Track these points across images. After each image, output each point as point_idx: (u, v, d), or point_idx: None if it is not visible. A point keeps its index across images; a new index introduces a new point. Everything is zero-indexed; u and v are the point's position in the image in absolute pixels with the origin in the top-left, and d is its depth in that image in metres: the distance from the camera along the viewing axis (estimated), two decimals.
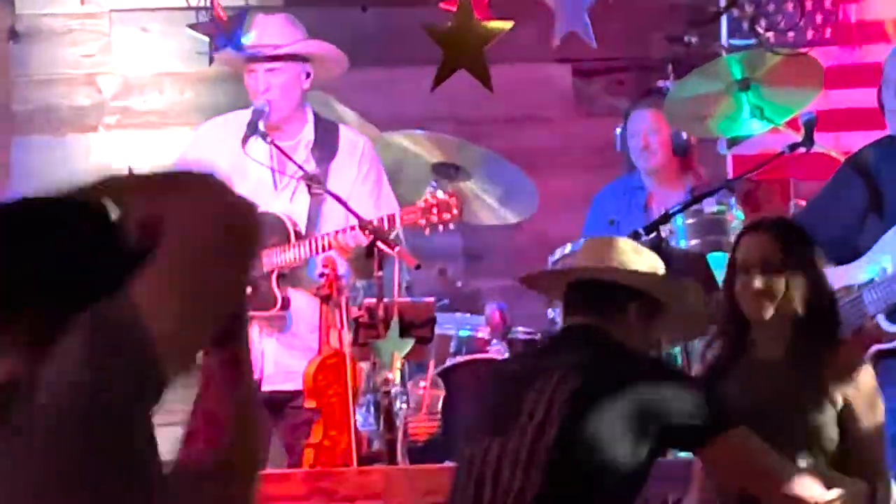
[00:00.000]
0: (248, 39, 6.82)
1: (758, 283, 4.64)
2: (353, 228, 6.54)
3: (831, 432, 4.73)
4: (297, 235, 6.37)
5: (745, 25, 7.48)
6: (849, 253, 6.10)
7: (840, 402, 4.71)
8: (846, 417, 4.72)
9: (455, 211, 6.64)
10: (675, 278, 5.27)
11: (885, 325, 5.96)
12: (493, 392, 5.06)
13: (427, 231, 6.82)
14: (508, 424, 4.70)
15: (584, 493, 4.67)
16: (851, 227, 6.11)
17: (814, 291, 4.78)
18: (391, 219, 6.72)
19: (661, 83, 7.73)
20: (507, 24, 6.26)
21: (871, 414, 4.88)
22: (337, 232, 6.56)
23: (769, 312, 4.68)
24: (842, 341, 4.99)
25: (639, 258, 4.86)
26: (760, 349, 4.82)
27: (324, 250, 6.33)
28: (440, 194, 6.69)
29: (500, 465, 4.65)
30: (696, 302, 4.95)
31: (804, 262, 4.77)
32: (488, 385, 5.17)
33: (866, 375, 4.79)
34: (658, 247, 6.34)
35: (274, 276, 6.40)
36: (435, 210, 6.58)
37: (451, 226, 6.74)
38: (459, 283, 7.46)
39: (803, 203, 6.73)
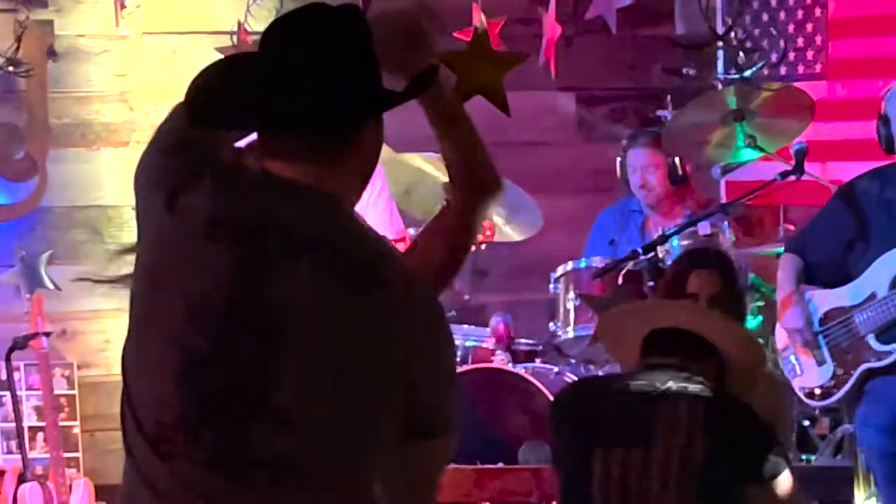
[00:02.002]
0: None
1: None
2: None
3: None
4: None
5: (741, 59, 7.52)
6: (839, 276, 6.12)
7: None
8: None
9: (488, 233, 6.72)
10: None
11: (875, 345, 5.97)
12: (609, 405, 4.82)
13: None
14: (643, 438, 4.66)
15: None
16: (840, 253, 6.12)
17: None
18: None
19: (659, 112, 7.72)
20: (522, 56, 6.10)
21: None
22: None
23: None
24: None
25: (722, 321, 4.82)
26: None
27: None
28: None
29: (647, 477, 4.61)
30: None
31: (740, 302, 4.94)
32: (595, 398, 4.90)
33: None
34: (655, 266, 6.58)
35: None
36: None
37: (483, 247, 6.82)
38: (467, 297, 7.23)
39: (792, 228, 6.78)
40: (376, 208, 6.61)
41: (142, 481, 2.94)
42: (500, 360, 6.86)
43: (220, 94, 2.97)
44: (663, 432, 4.60)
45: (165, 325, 2.94)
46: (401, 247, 6.44)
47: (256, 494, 2.88)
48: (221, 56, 6.82)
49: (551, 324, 6.82)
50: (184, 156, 3.06)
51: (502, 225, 6.94)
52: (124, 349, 3.01)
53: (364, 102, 2.95)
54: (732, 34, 7.57)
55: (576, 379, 5.39)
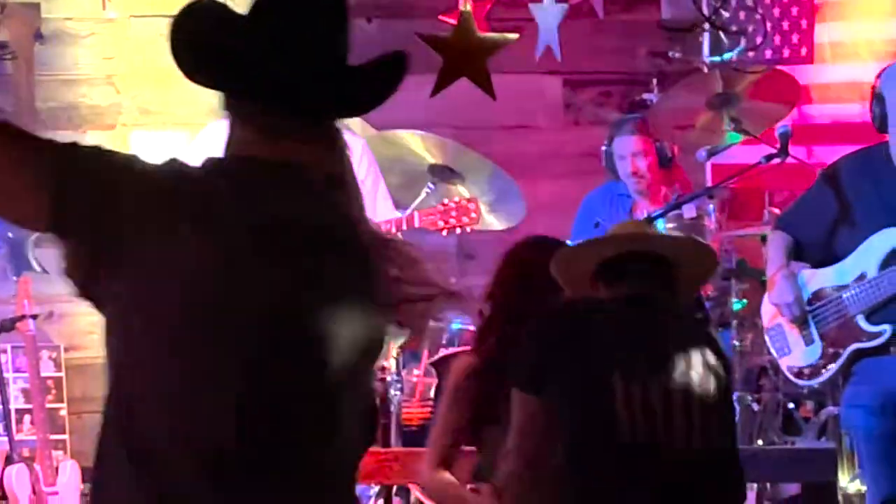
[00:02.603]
0: None
1: None
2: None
3: None
4: None
5: (726, 43, 7.65)
6: (826, 257, 6.09)
7: None
8: None
9: (475, 215, 6.72)
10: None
11: (864, 325, 5.94)
12: (621, 335, 4.67)
13: (445, 233, 6.89)
14: (658, 359, 4.59)
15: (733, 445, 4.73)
16: (826, 234, 6.08)
17: None
18: (409, 220, 6.83)
19: (645, 95, 7.80)
20: (511, 36, 6.40)
21: None
22: None
23: None
24: None
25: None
26: None
27: None
28: (458, 199, 6.76)
29: (671, 403, 4.53)
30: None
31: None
32: (608, 328, 4.69)
33: None
34: None
35: None
36: (454, 213, 6.67)
37: (469, 229, 6.83)
38: (453, 280, 7.25)
39: (777, 211, 6.77)
40: (363, 188, 6.57)
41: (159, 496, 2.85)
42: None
43: (248, 62, 2.91)
44: (677, 351, 4.55)
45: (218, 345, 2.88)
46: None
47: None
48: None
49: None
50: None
51: (486, 213, 6.93)
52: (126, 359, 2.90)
53: (385, 90, 2.95)
54: (718, 17, 7.51)
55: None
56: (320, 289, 2.88)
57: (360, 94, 2.99)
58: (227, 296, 2.86)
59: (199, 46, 2.90)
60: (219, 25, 2.92)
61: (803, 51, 7.71)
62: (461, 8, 6.33)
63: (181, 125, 7.59)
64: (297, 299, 2.87)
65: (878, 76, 6.12)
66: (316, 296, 2.88)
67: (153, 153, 7.89)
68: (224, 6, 3.00)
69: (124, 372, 2.86)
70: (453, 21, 6.34)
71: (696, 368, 4.66)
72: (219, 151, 7.49)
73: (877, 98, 5.98)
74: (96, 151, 2.86)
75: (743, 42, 7.64)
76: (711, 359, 4.68)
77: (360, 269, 2.96)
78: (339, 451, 2.93)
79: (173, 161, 2.96)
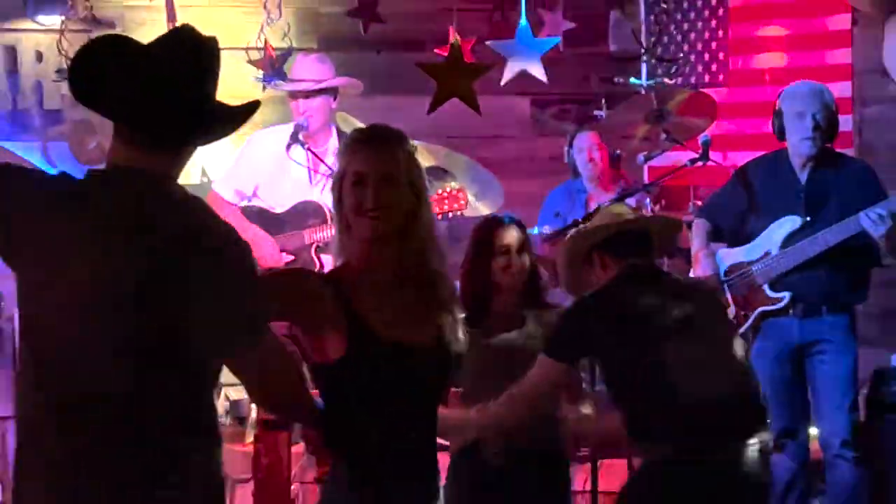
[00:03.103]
0: (292, 72, 6.76)
1: (516, 262, 4.63)
2: None
3: None
4: (331, 217, 6.06)
5: (660, 70, 7.55)
6: (740, 239, 6.12)
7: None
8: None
9: (463, 202, 6.54)
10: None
11: (769, 292, 5.97)
12: (647, 303, 4.51)
13: (439, 217, 6.63)
14: (691, 321, 4.46)
15: None
16: (737, 220, 6.11)
17: (534, 267, 4.78)
18: None
19: (596, 112, 7.64)
20: (490, 65, 6.34)
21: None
22: None
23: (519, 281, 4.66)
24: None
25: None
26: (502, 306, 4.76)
27: None
28: (449, 189, 6.57)
29: (702, 351, 4.39)
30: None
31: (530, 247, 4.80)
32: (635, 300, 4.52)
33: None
34: None
35: (314, 248, 6.37)
36: (447, 201, 6.47)
37: (460, 213, 6.63)
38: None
39: (699, 203, 6.74)
40: None
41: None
42: None
43: (113, 83, 2.96)
44: (704, 314, 4.46)
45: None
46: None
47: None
48: (255, 67, 6.71)
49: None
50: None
51: (474, 201, 6.70)
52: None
53: (227, 119, 3.03)
54: (654, 50, 7.66)
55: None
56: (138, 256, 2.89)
57: (207, 125, 3.04)
58: (80, 274, 2.96)
59: (89, 77, 2.97)
60: (106, 61, 2.97)
61: (720, 77, 7.73)
62: (451, 42, 6.24)
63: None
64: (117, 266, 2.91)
65: (778, 96, 6.14)
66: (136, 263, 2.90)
67: (202, 158, 7.60)
68: (122, 42, 3.05)
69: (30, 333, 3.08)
70: (445, 53, 6.27)
71: (714, 316, 4.63)
72: (265, 153, 7.05)
73: (776, 114, 6.02)
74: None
75: (673, 70, 7.64)
76: (718, 306, 4.76)
77: (166, 238, 2.93)
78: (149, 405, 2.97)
79: (62, 173, 3.11)
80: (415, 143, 6.76)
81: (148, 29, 6.83)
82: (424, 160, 6.64)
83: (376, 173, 3.27)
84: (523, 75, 6.72)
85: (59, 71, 6.96)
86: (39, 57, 7.38)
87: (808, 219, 5.83)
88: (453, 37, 6.30)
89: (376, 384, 3.24)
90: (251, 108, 3.08)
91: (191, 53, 3.02)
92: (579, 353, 4.55)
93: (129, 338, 2.96)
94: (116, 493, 2.98)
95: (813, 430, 6.16)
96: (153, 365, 2.99)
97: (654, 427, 4.36)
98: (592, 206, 6.86)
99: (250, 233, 6.46)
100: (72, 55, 6.68)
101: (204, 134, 3.09)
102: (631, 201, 6.74)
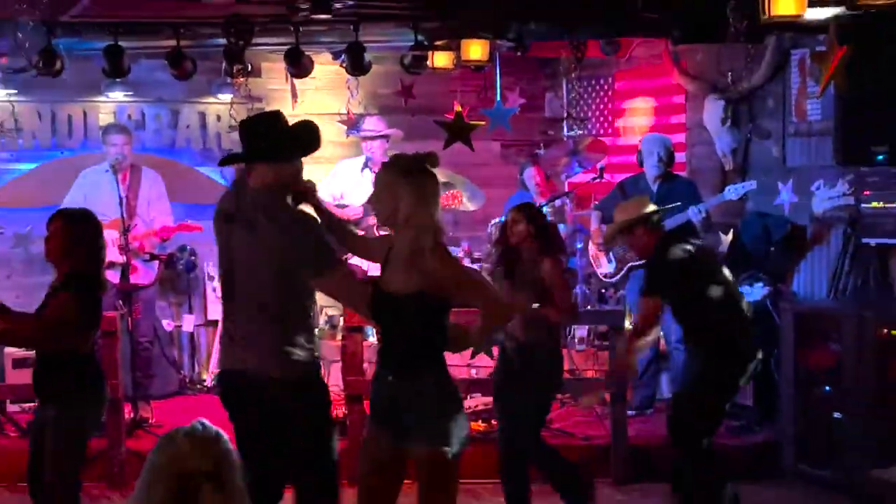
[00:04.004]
0: (363, 126, 6.71)
1: (516, 229, 4.34)
2: None
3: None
4: None
5: (577, 126, 7.57)
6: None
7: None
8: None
9: (459, 201, 6.59)
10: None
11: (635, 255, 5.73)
12: (706, 256, 4.48)
13: (445, 209, 6.47)
14: (722, 269, 4.38)
15: None
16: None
17: (540, 232, 4.39)
18: None
19: (538, 151, 7.58)
20: (480, 123, 6.46)
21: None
22: None
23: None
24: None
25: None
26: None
27: None
28: (452, 192, 6.53)
29: (734, 292, 4.37)
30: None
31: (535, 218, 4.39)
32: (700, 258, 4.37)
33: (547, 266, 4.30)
34: None
35: (375, 227, 6.02)
36: (449, 199, 6.49)
37: (459, 207, 6.64)
38: (450, 233, 6.69)
39: (596, 202, 6.60)
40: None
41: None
42: (465, 263, 6.51)
43: (262, 135, 3.23)
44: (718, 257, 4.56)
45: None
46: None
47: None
48: (343, 124, 6.92)
49: (487, 245, 6.71)
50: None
51: (466, 201, 6.72)
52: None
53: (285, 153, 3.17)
54: (572, 113, 7.65)
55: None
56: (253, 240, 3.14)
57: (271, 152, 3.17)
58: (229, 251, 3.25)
59: (254, 132, 3.22)
60: (250, 130, 3.27)
61: (609, 130, 7.63)
62: (456, 110, 6.39)
63: (322, 162, 6.50)
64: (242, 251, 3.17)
65: (640, 142, 6.30)
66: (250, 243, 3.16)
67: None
68: (270, 117, 3.33)
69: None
70: (452, 116, 6.38)
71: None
72: (347, 175, 6.56)
73: (639, 152, 6.19)
74: None
75: (583, 125, 7.63)
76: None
77: (272, 231, 3.13)
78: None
79: (227, 189, 3.39)
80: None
81: (280, 103, 6.66)
82: (439, 177, 6.99)
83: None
84: (498, 129, 6.84)
85: (230, 126, 6.97)
86: (218, 118, 7.19)
87: None
88: (457, 107, 6.44)
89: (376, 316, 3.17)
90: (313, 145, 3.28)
91: (303, 127, 3.28)
92: (664, 289, 4.29)
93: (273, 271, 3.17)
94: (268, 355, 3.20)
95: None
96: (284, 285, 3.18)
97: (710, 334, 4.25)
98: (536, 204, 6.32)
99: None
100: (237, 117, 6.49)
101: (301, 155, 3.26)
102: (557, 203, 6.82)
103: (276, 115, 3.30)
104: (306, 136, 3.25)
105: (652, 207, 4.48)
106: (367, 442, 3.16)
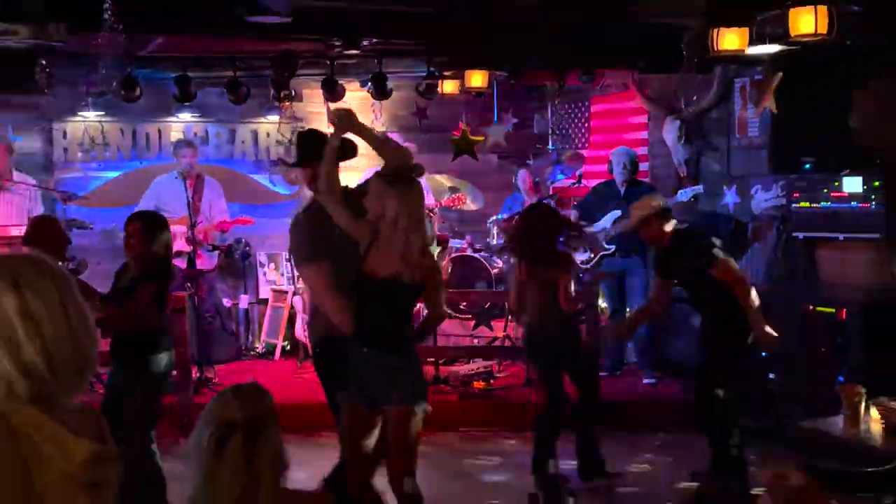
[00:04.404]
0: None
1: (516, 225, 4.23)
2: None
3: None
4: None
5: (560, 142, 7.52)
6: (593, 220, 5.99)
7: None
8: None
9: (463, 202, 6.58)
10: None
11: (605, 245, 5.90)
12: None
13: (452, 209, 6.73)
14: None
15: None
16: (594, 210, 6.01)
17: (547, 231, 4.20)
18: (445, 203, 6.59)
19: (528, 161, 7.54)
20: (480, 139, 6.66)
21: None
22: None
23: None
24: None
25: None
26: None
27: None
28: (456, 195, 6.52)
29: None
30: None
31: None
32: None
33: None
34: None
35: None
36: (455, 201, 6.49)
37: (463, 207, 6.64)
38: (456, 228, 7.14)
39: (576, 202, 6.55)
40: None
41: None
42: (469, 252, 6.77)
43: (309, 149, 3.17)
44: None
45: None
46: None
47: None
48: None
49: (488, 239, 6.81)
50: None
51: (469, 202, 6.71)
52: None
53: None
54: (557, 131, 7.61)
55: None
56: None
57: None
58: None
59: (303, 145, 3.19)
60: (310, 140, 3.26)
61: (587, 145, 7.55)
62: (462, 128, 6.51)
63: (352, 168, 6.57)
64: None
65: (610, 154, 6.20)
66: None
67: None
68: (316, 132, 3.34)
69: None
70: (458, 133, 6.51)
71: None
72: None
73: (609, 162, 6.16)
74: None
75: (565, 141, 7.60)
76: None
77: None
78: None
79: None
80: (441, 175, 6.09)
81: (318, 123, 6.55)
82: (447, 182, 6.81)
83: None
84: (495, 143, 7.11)
85: (277, 142, 7.06)
86: (267, 135, 7.14)
87: (623, 211, 5.74)
88: (462, 125, 6.61)
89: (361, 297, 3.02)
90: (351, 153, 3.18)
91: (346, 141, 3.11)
92: (668, 273, 4.13)
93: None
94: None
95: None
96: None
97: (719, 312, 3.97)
98: (526, 204, 6.45)
99: None
100: (283, 135, 6.60)
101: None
102: (546, 202, 5.88)
103: (319, 132, 3.42)
104: (348, 146, 3.26)
105: (663, 202, 4.21)
106: (347, 407, 3.01)
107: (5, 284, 1.22)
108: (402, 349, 2.98)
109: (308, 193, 3.41)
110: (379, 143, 3.06)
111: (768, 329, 3.86)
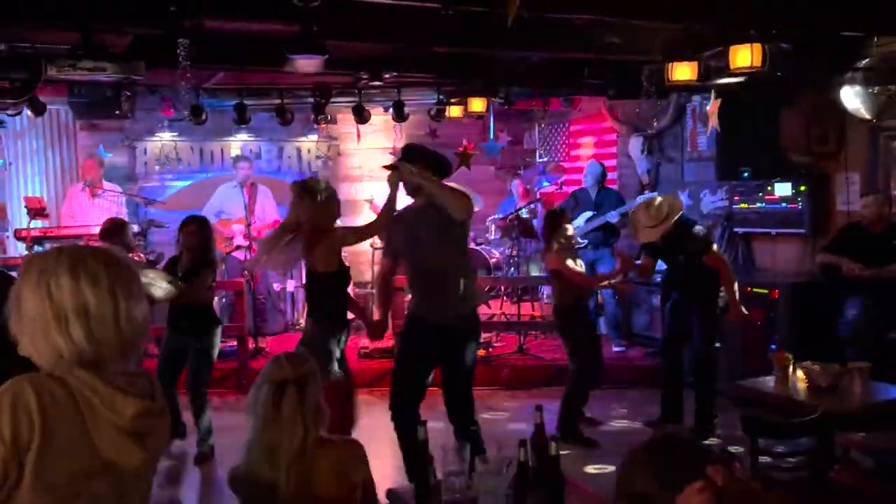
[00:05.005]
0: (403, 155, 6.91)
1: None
2: None
3: None
4: None
5: (546, 156, 7.53)
6: (576, 216, 5.78)
7: None
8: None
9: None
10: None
11: (580, 241, 5.67)
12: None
13: None
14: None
15: None
16: (573, 212, 5.72)
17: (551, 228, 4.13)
18: None
19: (520, 171, 7.46)
20: (475, 153, 6.65)
21: None
22: None
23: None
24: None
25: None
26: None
27: None
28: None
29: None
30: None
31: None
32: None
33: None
34: (518, 218, 6.22)
35: None
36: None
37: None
38: None
39: (556, 205, 6.06)
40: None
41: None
42: (472, 246, 6.29)
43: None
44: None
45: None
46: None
47: None
48: (390, 156, 6.74)
49: (487, 234, 6.71)
50: None
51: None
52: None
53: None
54: (543, 148, 7.60)
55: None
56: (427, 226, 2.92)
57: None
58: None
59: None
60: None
61: (567, 158, 7.50)
62: (464, 145, 6.54)
63: (378, 178, 6.23)
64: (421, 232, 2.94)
65: (586, 166, 6.20)
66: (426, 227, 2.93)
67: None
68: (419, 149, 3.17)
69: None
70: (461, 150, 6.50)
71: None
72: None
73: (584, 173, 6.11)
74: None
75: (536, 155, 7.55)
76: None
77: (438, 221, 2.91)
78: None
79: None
80: (451, 183, 6.56)
81: (349, 142, 6.72)
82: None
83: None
84: (491, 157, 7.07)
85: (316, 157, 7.10)
86: (308, 151, 7.17)
87: (595, 213, 5.81)
88: (464, 143, 6.63)
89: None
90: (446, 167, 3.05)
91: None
92: (655, 254, 4.10)
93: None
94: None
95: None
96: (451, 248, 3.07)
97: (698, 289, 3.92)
98: (519, 206, 6.60)
99: None
100: (321, 152, 6.51)
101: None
102: (532, 205, 6.71)
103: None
104: (444, 164, 3.25)
105: (677, 204, 4.09)
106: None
107: (65, 269, 1.20)
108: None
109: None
110: (434, 187, 3.05)
111: (742, 308, 3.91)
